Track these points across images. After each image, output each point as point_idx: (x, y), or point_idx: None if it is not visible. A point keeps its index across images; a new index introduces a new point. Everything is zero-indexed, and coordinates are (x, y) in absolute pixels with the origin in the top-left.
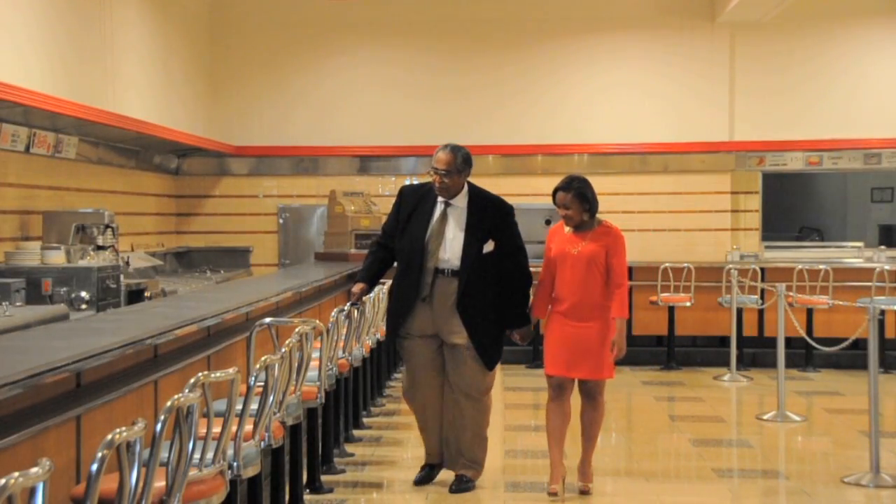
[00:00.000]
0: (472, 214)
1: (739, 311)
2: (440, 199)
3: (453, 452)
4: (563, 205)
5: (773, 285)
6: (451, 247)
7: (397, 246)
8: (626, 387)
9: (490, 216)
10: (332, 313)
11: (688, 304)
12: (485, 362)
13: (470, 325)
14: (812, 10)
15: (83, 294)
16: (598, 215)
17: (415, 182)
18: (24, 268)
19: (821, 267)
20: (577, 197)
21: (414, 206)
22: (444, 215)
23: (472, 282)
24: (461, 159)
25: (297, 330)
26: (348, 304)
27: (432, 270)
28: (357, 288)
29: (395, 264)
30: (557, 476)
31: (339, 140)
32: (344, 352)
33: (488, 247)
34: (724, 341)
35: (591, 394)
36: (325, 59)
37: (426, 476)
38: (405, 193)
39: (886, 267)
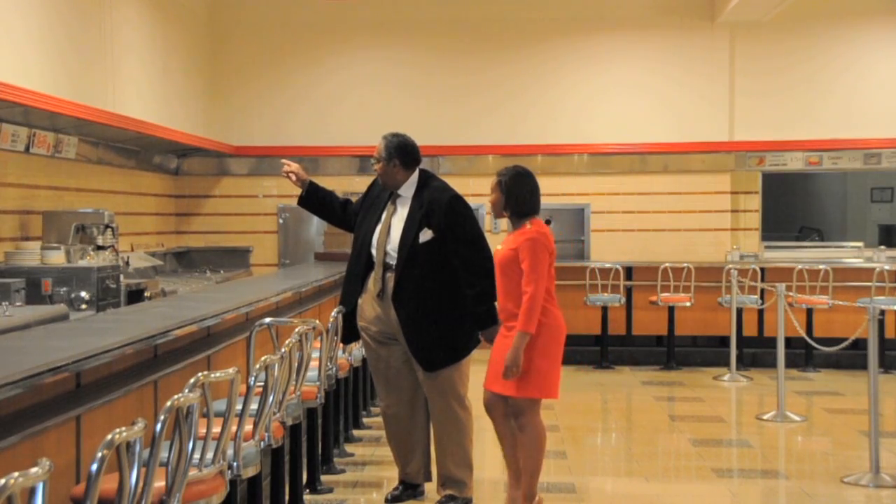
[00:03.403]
0: (414, 204)
1: (739, 311)
2: (394, 192)
3: (438, 471)
4: (491, 190)
5: (772, 285)
6: (395, 238)
7: (355, 231)
8: (626, 387)
9: (429, 206)
10: (332, 313)
11: (688, 304)
12: (420, 362)
13: (403, 319)
14: (812, 10)
15: (83, 294)
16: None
17: None
18: (24, 268)
19: (821, 267)
20: (499, 186)
21: (376, 196)
22: (392, 207)
23: (406, 272)
24: (385, 147)
25: (296, 330)
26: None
27: (382, 264)
28: (298, 169)
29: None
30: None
31: (339, 140)
32: (344, 352)
33: (424, 235)
34: (724, 341)
35: (514, 412)
36: (325, 58)
37: (399, 496)
38: (376, 182)
39: (886, 267)
